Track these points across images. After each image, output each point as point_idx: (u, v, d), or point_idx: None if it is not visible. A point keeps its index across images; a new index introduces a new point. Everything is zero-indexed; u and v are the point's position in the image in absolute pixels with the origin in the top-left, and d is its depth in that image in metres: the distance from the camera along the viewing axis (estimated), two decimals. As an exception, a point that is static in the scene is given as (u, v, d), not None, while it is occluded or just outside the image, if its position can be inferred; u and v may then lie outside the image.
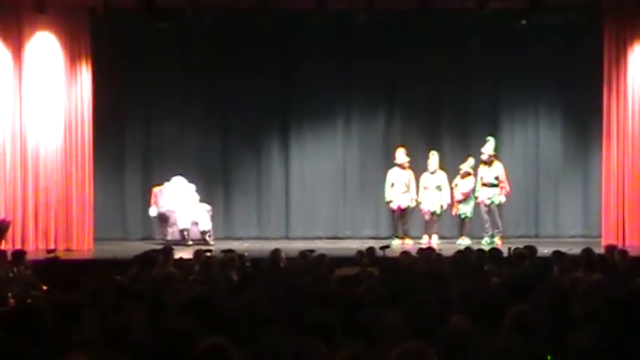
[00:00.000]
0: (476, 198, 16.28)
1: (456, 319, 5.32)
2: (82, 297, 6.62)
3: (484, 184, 16.17)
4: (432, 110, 17.87)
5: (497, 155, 16.31)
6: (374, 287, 7.29)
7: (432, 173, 16.41)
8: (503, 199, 16.13)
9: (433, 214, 16.41)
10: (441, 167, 16.53)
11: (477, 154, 16.35)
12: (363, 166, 17.87)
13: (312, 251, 11.44)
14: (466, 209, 16.30)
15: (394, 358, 4.15)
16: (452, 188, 16.36)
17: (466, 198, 16.25)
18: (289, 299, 6.67)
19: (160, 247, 11.99)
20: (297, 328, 5.33)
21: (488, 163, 16.14)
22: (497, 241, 15.68)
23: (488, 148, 16.16)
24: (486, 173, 16.16)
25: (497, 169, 16.15)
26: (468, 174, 16.27)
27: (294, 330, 5.22)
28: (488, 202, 16.12)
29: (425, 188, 16.41)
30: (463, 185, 16.27)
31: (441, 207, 16.41)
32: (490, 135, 16.48)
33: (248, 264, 10.62)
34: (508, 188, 16.18)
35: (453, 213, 16.41)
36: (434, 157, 16.43)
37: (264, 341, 4.96)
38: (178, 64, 17.38)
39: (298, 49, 17.68)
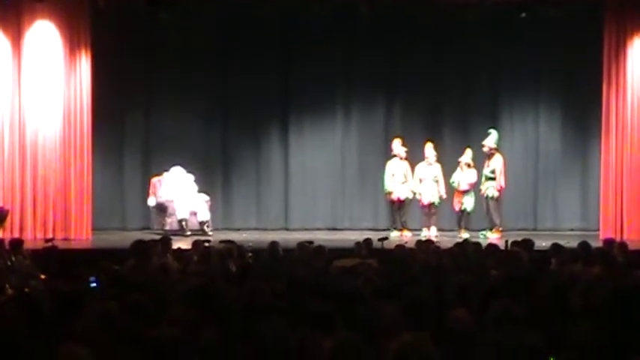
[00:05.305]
0: (480, 191, 16.16)
1: (455, 311, 5.31)
2: (80, 286, 6.61)
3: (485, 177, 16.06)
4: (431, 102, 17.82)
5: (498, 148, 16.17)
6: (372, 279, 7.29)
7: (430, 165, 16.31)
8: (495, 193, 15.96)
9: (432, 205, 16.29)
10: (439, 159, 16.44)
11: (476, 146, 16.28)
12: (362, 157, 17.82)
13: (310, 242, 11.45)
14: (469, 203, 16.12)
15: (393, 350, 4.14)
16: (451, 183, 16.18)
17: (472, 189, 16.08)
18: (288, 290, 6.66)
19: (158, 237, 11.99)
20: (297, 320, 5.31)
21: (489, 156, 16.02)
22: (494, 235, 15.60)
23: (490, 140, 16.02)
24: (486, 166, 16.06)
25: (496, 162, 15.95)
26: (469, 165, 16.10)
27: (294, 321, 5.20)
28: (485, 195, 16.03)
29: (421, 180, 16.27)
30: (467, 176, 16.06)
31: (440, 198, 16.31)
32: (492, 128, 16.40)
33: (250, 254, 10.61)
34: (502, 183, 15.95)
35: (457, 208, 16.18)
36: (431, 149, 16.35)
37: (264, 332, 4.94)
38: (178, 54, 17.30)
39: (298, 40, 17.62)
